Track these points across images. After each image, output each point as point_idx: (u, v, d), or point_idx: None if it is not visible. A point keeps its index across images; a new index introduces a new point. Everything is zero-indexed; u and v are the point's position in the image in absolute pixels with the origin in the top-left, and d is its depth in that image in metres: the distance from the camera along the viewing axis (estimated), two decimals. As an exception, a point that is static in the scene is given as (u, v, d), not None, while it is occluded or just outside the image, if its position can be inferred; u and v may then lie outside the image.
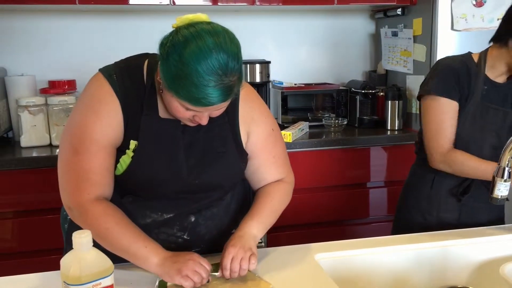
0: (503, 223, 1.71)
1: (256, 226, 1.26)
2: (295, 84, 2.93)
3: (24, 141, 2.41)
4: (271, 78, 2.88)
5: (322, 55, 3.09)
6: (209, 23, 1.09)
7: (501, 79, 1.60)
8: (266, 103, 2.76)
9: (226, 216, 1.37)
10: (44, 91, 2.53)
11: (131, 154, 1.19)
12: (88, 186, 1.16)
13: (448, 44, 2.54)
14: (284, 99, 2.81)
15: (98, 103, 1.18)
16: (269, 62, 2.77)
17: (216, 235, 1.34)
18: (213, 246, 1.34)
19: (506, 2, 2.49)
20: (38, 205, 2.25)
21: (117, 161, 1.20)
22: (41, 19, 2.69)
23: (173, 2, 2.44)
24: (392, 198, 2.64)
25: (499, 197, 1.12)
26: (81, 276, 0.79)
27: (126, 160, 1.20)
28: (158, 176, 1.21)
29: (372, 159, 2.60)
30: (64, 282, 0.80)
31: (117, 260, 1.18)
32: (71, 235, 0.94)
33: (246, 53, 2.94)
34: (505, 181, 1.10)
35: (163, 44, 1.07)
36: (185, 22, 1.08)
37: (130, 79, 1.20)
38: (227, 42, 1.05)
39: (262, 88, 2.77)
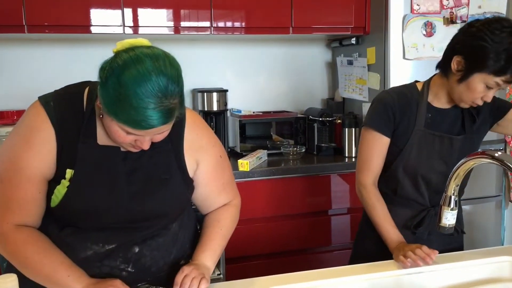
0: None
1: (209, 258, 1.27)
2: (253, 112, 2.93)
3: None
4: (230, 106, 2.88)
5: (281, 83, 3.12)
6: (149, 47, 1.10)
7: (446, 105, 1.60)
8: (223, 131, 2.78)
9: (174, 246, 1.33)
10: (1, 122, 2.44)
11: (67, 183, 1.16)
12: (10, 214, 1.15)
13: (401, 72, 2.60)
14: (242, 127, 2.80)
15: (30, 132, 1.16)
16: (226, 91, 2.77)
17: (164, 266, 1.30)
18: (160, 280, 1.29)
19: (455, 32, 2.59)
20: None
21: (52, 192, 1.17)
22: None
23: (136, 30, 2.43)
24: (354, 225, 2.64)
25: (447, 226, 1.12)
26: (6, 325, 0.73)
27: (61, 190, 1.17)
28: (97, 205, 1.18)
29: (332, 186, 2.61)
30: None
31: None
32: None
33: (204, 82, 2.96)
34: (451, 209, 1.11)
35: (103, 68, 1.07)
36: (126, 46, 1.09)
37: (68, 106, 1.18)
38: (167, 66, 1.06)
39: (219, 116, 2.76)
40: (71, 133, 1.16)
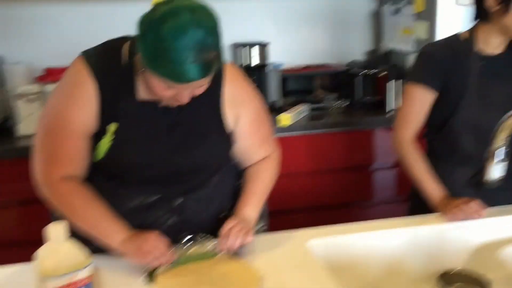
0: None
1: (252, 211, 1.30)
2: (295, 66, 2.89)
3: (21, 129, 2.40)
4: (271, 60, 2.83)
5: (323, 35, 3.03)
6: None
7: (499, 49, 1.51)
8: (264, 86, 2.75)
9: (216, 198, 1.36)
10: (40, 79, 2.51)
11: (110, 137, 1.19)
12: (56, 167, 1.19)
13: (452, 20, 2.46)
14: (284, 81, 2.77)
15: (73, 87, 1.19)
16: (266, 45, 2.72)
17: (206, 218, 1.34)
18: (203, 230, 1.32)
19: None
20: (28, 195, 2.24)
21: (97, 145, 1.21)
22: (38, 6, 2.65)
23: None
24: (400, 179, 2.60)
25: (495, 179, 1.08)
26: (56, 268, 0.78)
27: (105, 143, 1.20)
28: (139, 158, 1.21)
29: (376, 141, 2.56)
30: (39, 274, 0.78)
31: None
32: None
33: (245, 36, 2.92)
34: (498, 162, 1.06)
35: (141, 22, 1.07)
36: None
37: (109, 62, 1.20)
38: (204, 18, 1.05)
39: (260, 70, 2.72)
40: (112, 87, 1.19)
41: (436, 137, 1.59)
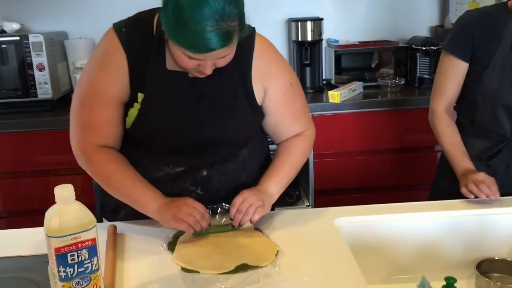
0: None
1: (274, 185, 1.27)
2: (352, 42, 2.79)
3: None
4: (326, 36, 2.76)
5: (382, 10, 2.90)
6: None
7: None
8: (318, 62, 2.69)
9: (243, 172, 1.35)
10: (100, 53, 2.61)
11: (138, 106, 1.21)
12: (92, 135, 1.22)
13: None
14: (338, 58, 2.70)
15: (105, 57, 1.21)
16: (321, 19, 2.65)
17: (232, 191, 1.31)
18: (229, 201, 1.30)
19: None
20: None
21: (126, 114, 1.24)
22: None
23: None
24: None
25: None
26: (60, 228, 0.81)
27: (133, 112, 1.22)
28: (165, 128, 1.23)
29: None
30: (46, 234, 0.82)
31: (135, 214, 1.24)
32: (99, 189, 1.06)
33: (299, 11, 2.85)
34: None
35: None
36: None
37: (139, 32, 1.21)
38: None
39: (314, 46, 2.66)
40: (142, 57, 1.20)
41: (459, 106, 1.53)
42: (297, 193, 2.44)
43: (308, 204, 2.47)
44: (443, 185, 1.58)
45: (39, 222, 1.30)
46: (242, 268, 1.04)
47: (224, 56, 1.10)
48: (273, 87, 1.29)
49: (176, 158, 1.28)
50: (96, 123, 1.22)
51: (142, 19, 1.24)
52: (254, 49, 1.26)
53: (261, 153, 1.41)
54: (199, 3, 1.00)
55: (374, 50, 2.78)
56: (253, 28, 1.25)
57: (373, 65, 2.88)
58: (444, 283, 0.95)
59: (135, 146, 1.29)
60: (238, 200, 1.19)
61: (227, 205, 1.24)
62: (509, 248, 1.31)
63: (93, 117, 1.22)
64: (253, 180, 1.35)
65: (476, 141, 1.52)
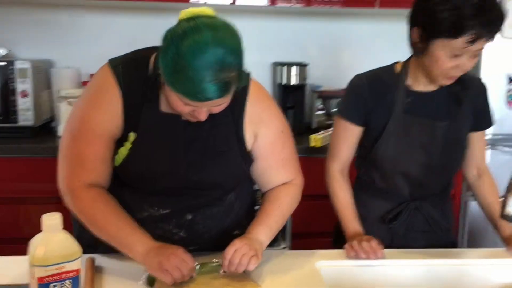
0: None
1: (263, 232, 1.24)
2: (335, 89, 2.87)
3: (62, 130, 2.49)
4: (310, 81, 2.83)
5: (364, 61, 2.98)
6: (211, 17, 1.07)
7: (430, 88, 1.42)
8: (301, 106, 2.74)
9: (228, 217, 1.33)
10: (85, 84, 2.61)
11: (129, 146, 1.19)
12: (81, 172, 1.18)
13: (496, 53, 2.38)
14: (322, 103, 2.76)
15: (99, 93, 1.20)
16: (306, 65, 2.72)
17: (216, 235, 1.32)
18: (213, 245, 1.30)
19: None
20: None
21: (116, 152, 1.21)
22: (89, 14, 2.79)
23: (234, 1, 2.49)
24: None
25: (511, 215, 1.02)
26: (45, 257, 0.79)
27: (123, 151, 1.20)
28: (155, 170, 1.21)
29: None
30: (29, 262, 0.80)
31: (109, 249, 1.20)
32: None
33: (285, 55, 2.93)
34: (517, 197, 1.00)
35: (165, 36, 1.07)
36: (188, 15, 1.07)
37: (135, 71, 1.20)
38: (226, 37, 1.03)
39: (298, 91, 2.72)
40: (137, 96, 1.19)
41: (361, 164, 1.53)
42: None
43: (285, 246, 2.46)
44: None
45: (17, 251, 1.27)
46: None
47: (220, 104, 1.10)
48: (264, 133, 1.28)
49: (162, 200, 1.25)
50: (87, 159, 1.19)
51: (139, 58, 1.23)
52: (248, 95, 1.25)
53: (247, 198, 1.40)
54: (199, 52, 0.99)
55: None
56: (248, 73, 1.24)
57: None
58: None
59: (119, 185, 1.25)
60: (230, 251, 1.14)
61: (218, 261, 1.19)
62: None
63: (84, 153, 1.19)
64: (238, 224, 1.35)
65: (378, 201, 1.52)
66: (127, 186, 1.25)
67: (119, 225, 1.15)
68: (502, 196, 1.03)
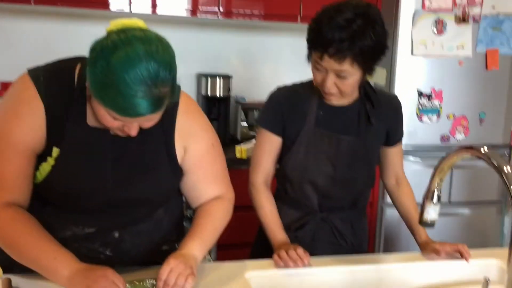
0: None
1: (197, 247, 1.19)
2: (257, 100, 2.92)
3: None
4: (234, 93, 2.86)
5: (287, 73, 3.08)
6: (143, 30, 1.04)
7: (343, 102, 1.47)
8: (225, 117, 2.76)
9: (157, 232, 1.29)
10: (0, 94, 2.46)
11: (52, 162, 1.12)
12: (0, 191, 1.10)
13: (408, 69, 2.56)
14: (245, 114, 2.79)
15: (20, 105, 1.11)
16: (230, 77, 2.75)
17: (144, 251, 1.27)
18: (140, 261, 1.26)
19: (466, 32, 2.55)
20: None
21: (37, 167, 1.14)
22: (1, 19, 2.63)
23: (154, 11, 2.43)
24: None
25: (429, 221, 1.09)
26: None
27: (46, 167, 1.13)
28: (79, 187, 1.14)
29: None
30: None
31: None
32: None
33: (210, 67, 2.94)
34: (434, 204, 1.08)
35: (93, 48, 1.02)
36: (118, 26, 1.03)
37: (59, 83, 1.13)
38: (159, 51, 0.99)
39: (222, 102, 2.74)
40: (60, 110, 1.12)
41: (276, 175, 1.59)
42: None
43: (209, 258, 2.45)
44: (262, 242, 1.55)
45: None
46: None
47: (151, 119, 1.06)
48: (194, 147, 1.25)
49: (86, 218, 1.19)
50: (7, 178, 1.10)
51: (62, 68, 1.16)
52: (178, 108, 1.22)
53: (176, 212, 1.36)
54: (131, 65, 0.96)
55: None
56: (179, 87, 1.19)
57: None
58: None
59: (40, 203, 1.17)
60: (164, 271, 1.08)
61: (152, 280, 1.14)
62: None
63: (5, 170, 1.10)
64: (167, 239, 1.32)
65: (288, 210, 1.55)
66: (48, 204, 1.18)
67: (40, 247, 1.07)
68: (421, 204, 1.10)
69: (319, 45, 1.32)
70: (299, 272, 1.34)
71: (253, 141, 2.59)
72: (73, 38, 2.72)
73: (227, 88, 2.72)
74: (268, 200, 1.53)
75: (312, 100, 1.48)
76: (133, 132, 1.07)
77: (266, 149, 1.52)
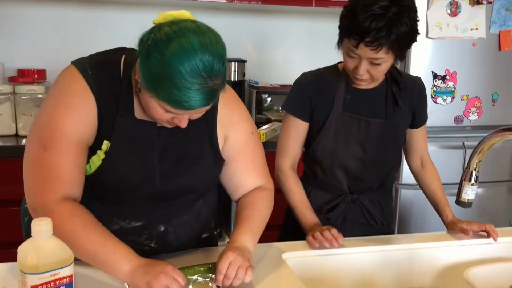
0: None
1: (249, 240, 1.19)
2: (270, 85, 2.93)
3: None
4: (248, 77, 2.87)
5: (300, 57, 3.10)
6: (194, 21, 1.03)
7: (370, 86, 1.49)
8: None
9: (198, 222, 1.31)
10: (12, 80, 2.46)
11: (102, 155, 1.12)
12: (56, 184, 1.07)
13: (423, 51, 2.58)
14: (259, 98, 2.81)
15: (71, 97, 1.10)
16: (245, 61, 2.76)
17: (185, 241, 1.29)
18: (181, 249, 1.29)
19: (480, 13, 2.56)
20: (1, 196, 2.18)
21: (87, 161, 1.13)
22: (13, 6, 2.62)
23: None
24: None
25: (466, 201, 1.13)
26: (38, 265, 0.76)
27: (96, 161, 1.13)
28: (128, 180, 1.15)
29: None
30: (20, 271, 0.77)
31: None
32: (30, 229, 0.85)
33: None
34: (472, 185, 1.11)
35: (144, 41, 1.00)
36: (168, 18, 1.02)
37: (106, 76, 1.12)
38: (212, 43, 0.98)
39: (236, 87, 2.75)
40: (110, 103, 1.11)
41: (304, 159, 1.62)
42: (219, 229, 2.45)
43: (228, 240, 2.49)
44: (291, 226, 1.58)
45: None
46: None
47: (202, 111, 1.06)
48: (234, 135, 1.25)
49: (134, 212, 1.20)
50: (63, 169, 1.07)
51: (108, 61, 1.15)
52: (219, 98, 1.18)
53: (213, 200, 1.37)
54: (187, 58, 0.94)
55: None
56: None
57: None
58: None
59: (88, 197, 1.15)
60: (224, 264, 1.07)
61: (208, 276, 1.11)
62: (432, 279, 1.45)
63: (58, 162, 1.07)
64: (206, 227, 1.34)
65: (318, 193, 1.58)
66: (96, 197, 1.18)
67: (100, 242, 1.04)
68: (459, 183, 1.13)
69: (355, 33, 1.31)
70: (334, 252, 1.37)
71: (269, 125, 2.62)
72: (83, 24, 2.72)
73: (241, 72, 2.73)
74: (297, 184, 1.55)
75: (339, 84, 1.50)
76: (183, 124, 1.07)
77: (293, 134, 1.54)
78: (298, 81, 1.56)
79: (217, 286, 1.08)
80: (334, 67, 1.55)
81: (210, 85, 0.98)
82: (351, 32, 1.33)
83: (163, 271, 1.00)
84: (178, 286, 1.00)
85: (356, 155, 1.52)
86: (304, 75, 1.56)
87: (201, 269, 1.11)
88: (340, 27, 1.39)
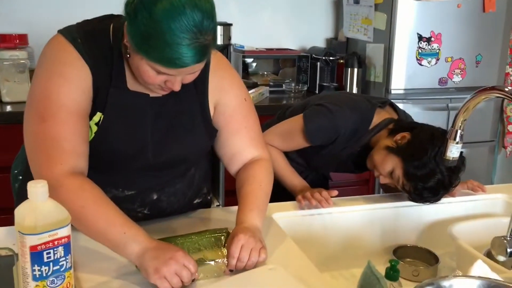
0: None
1: (256, 217, 1.16)
2: (256, 49, 2.92)
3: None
4: (232, 41, 2.85)
5: (285, 20, 3.07)
6: None
7: None
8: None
9: (190, 189, 1.32)
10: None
11: (94, 128, 1.10)
12: (61, 155, 1.03)
13: (409, 14, 2.58)
14: (245, 63, 2.80)
15: (64, 67, 1.06)
16: (230, 25, 2.73)
17: (178, 207, 1.31)
18: (174, 215, 1.31)
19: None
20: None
21: None
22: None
23: None
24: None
25: (451, 159, 1.15)
26: (36, 225, 0.77)
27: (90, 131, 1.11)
28: (122, 152, 1.14)
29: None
30: (19, 232, 0.78)
31: None
32: (21, 195, 0.82)
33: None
34: (457, 143, 1.13)
35: (130, 2, 0.97)
36: None
37: (97, 45, 1.08)
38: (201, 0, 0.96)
39: (222, 51, 2.73)
40: (103, 74, 1.09)
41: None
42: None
43: (218, 204, 2.53)
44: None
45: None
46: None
47: (194, 71, 1.04)
48: (224, 101, 1.22)
49: (126, 181, 1.20)
50: (64, 139, 1.03)
51: (98, 29, 1.11)
52: (210, 65, 1.19)
53: (204, 165, 1.37)
54: (176, 14, 0.93)
55: (279, 57, 2.93)
56: None
57: (275, 71, 3.04)
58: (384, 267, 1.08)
59: None
60: (236, 248, 1.04)
61: (219, 260, 1.10)
62: (417, 235, 1.51)
63: (60, 133, 1.03)
64: (198, 192, 1.36)
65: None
66: (89, 167, 1.14)
67: (110, 220, 1.01)
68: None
69: None
70: (321, 211, 1.41)
71: (253, 90, 2.62)
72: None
73: (227, 36, 2.70)
74: (280, 153, 1.59)
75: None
76: (177, 86, 1.05)
77: (295, 143, 1.56)
78: (339, 118, 1.50)
79: (230, 270, 1.05)
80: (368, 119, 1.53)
81: (201, 41, 0.96)
82: None
83: (173, 258, 0.96)
84: (188, 274, 0.97)
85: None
86: (343, 118, 1.50)
87: (207, 236, 1.14)
88: None
